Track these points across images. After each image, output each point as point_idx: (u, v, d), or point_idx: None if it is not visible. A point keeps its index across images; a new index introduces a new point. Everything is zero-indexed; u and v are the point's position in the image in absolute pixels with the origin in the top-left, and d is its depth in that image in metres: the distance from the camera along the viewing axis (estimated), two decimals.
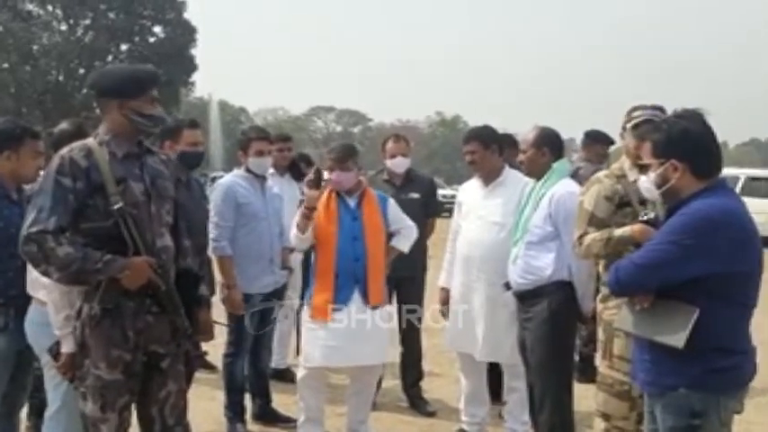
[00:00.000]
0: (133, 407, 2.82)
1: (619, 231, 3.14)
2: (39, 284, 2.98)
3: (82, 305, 2.70)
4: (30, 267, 2.99)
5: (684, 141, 2.45)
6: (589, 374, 4.88)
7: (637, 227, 3.04)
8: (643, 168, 2.62)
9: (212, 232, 4.19)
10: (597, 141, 5.70)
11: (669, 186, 2.48)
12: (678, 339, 2.36)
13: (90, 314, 2.67)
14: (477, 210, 4.15)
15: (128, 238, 2.66)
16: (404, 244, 4.15)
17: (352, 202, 3.97)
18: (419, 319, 4.89)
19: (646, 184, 2.57)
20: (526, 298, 3.64)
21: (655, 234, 2.74)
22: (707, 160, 2.47)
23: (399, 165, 4.78)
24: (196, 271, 2.99)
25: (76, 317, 2.72)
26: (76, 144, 2.73)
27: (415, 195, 4.78)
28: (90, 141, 2.74)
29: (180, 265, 2.89)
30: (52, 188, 2.62)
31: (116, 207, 2.64)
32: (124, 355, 2.69)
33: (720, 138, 2.67)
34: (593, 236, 3.23)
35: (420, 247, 4.82)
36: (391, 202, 4.16)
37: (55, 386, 3.08)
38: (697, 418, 2.40)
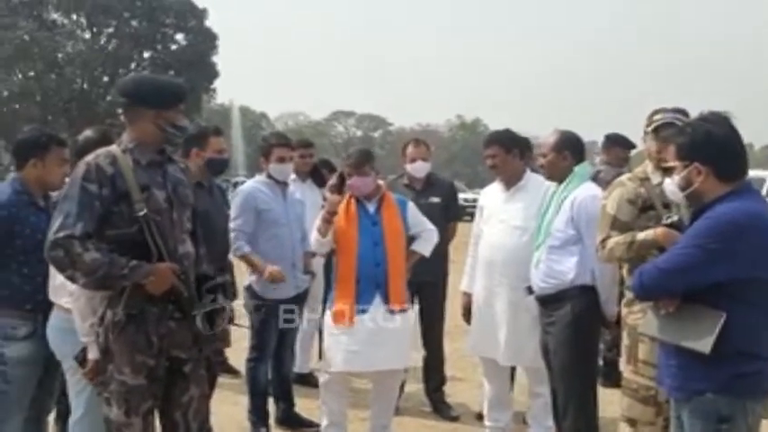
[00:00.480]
0: (155, 412, 2.85)
1: (642, 235, 3.12)
2: (63, 291, 3.01)
3: (105, 311, 2.72)
4: (52, 274, 3.04)
5: (708, 144, 2.43)
6: (613, 379, 4.84)
7: (660, 230, 3.02)
8: (668, 171, 2.60)
9: (230, 236, 4.22)
10: (617, 145, 5.65)
11: (693, 189, 2.46)
12: (705, 344, 2.33)
13: (114, 320, 2.70)
14: (498, 214, 4.13)
15: (152, 244, 2.69)
16: (425, 248, 4.13)
17: (371, 207, 3.97)
18: (441, 324, 4.89)
19: (671, 186, 2.55)
20: (548, 302, 3.61)
21: (678, 237, 2.74)
22: (731, 163, 2.45)
23: (419, 169, 4.78)
24: (214, 277, 3.03)
25: (99, 323, 2.74)
26: (101, 151, 2.76)
27: (436, 200, 4.77)
28: (114, 149, 2.77)
29: (198, 271, 2.92)
30: (78, 194, 2.65)
31: (141, 214, 2.67)
32: (148, 360, 2.72)
33: (746, 140, 2.64)
34: (616, 239, 3.21)
35: (441, 252, 4.80)
36: (411, 205, 4.15)
37: (78, 392, 3.11)
38: (724, 423, 2.37)
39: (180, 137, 2.89)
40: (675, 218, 2.97)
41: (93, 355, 2.84)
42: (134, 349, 2.70)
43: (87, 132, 3.36)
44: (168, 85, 2.94)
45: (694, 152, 2.44)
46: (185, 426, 2.84)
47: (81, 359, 2.90)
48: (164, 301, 2.74)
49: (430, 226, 4.15)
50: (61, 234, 2.61)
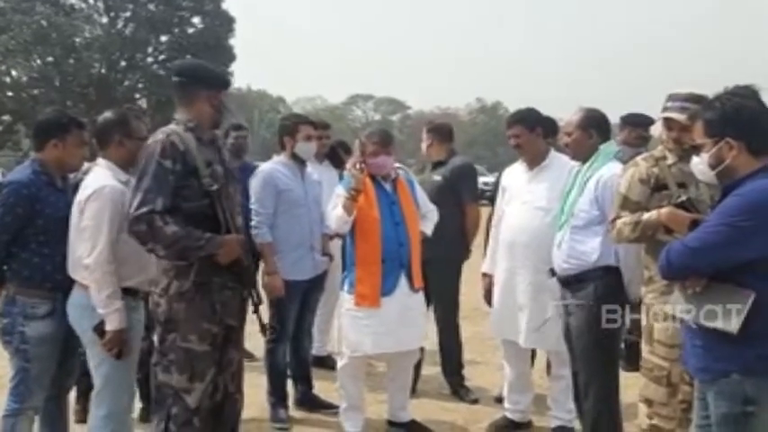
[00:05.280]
0: None
1: (647, 215, 3.08)
2: (79, 266, 3.04)
3: (170, 282, 2.88)
4: (71, 250, 3.11)
5: (739, 118, 2.37)
6: (635, 362, 4.79)
7: (664, 210, 2.95)
8: (695, 149, 2.53)
9: (253, 219, 4.22)
10: (634, 125, 5.49)
11: (725, 166, 2.40)
12: (733, 324, 2.29)
13: (180, 290, 2.87)
14: (521, 195, 4.07)
15: (221, 216, 2.88)
16: (428, 227, 4.18)
17: (388, 187, 3.97)
18: (456, 304, 4.82)
19: (699, 165, 2.48)
20: (570, 283, 3.56)
21: (686, 217, 2.74)
22: (763, 137, 2.38)
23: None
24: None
25: (162, 293, 2.89)
26: (168, 129, 2.93)
27: (437, 178, 4.70)
28: (176, 127, 2.93)
29: None
30: (155, 171, 2.81)
31: (214, 188, 2.86)
32: (213, 327, 2.90)
33: None
34: (624, 220, 3.19)
35: (450, 230, 4.57)
36: (416, 184, 4.19)
37: (97, 365, 3.14)
38: (751, 405, 2.33)
39: (223, 117, 3.10)
40: (685, 197, 2.89)
41: (111, 326, 2.95)
42: (201, 317, 2.88)
43: (107, 114, 3.39)
44: (218, 69, 3.28)
45: (725, 127, 2.38)
46: (224, 387, 3.02)
47: (99, 331, 2.99)
48: (226, 270, 2.90)
49: (431, 206, 4.21)
50: (144, 209, 2.78)
